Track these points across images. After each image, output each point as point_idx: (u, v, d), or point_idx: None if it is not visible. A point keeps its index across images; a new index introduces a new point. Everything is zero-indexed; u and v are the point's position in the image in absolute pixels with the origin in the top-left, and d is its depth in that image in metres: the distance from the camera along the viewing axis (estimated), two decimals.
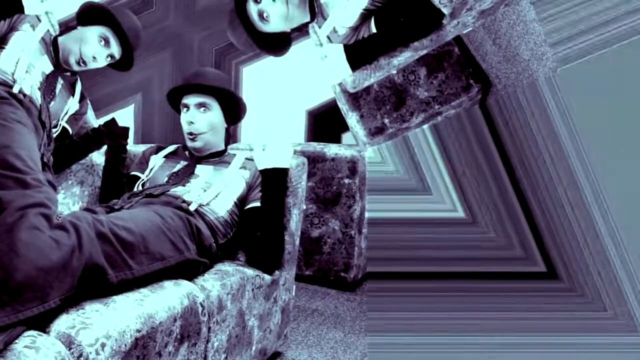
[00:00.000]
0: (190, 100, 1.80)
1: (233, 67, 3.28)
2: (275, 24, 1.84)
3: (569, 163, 1.69)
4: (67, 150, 1.88)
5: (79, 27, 1.83)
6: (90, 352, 1.05)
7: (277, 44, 1.95)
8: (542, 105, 1.73)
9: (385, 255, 1.89)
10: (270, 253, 1.72)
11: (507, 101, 1.84)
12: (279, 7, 1.81)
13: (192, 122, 1.79)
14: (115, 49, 1.82)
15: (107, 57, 1.82)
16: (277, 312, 1.81)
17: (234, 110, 1.87)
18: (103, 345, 1.07)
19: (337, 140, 3.27)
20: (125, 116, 3.05)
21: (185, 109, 1.82)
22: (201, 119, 1.80)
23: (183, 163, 1.81)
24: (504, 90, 2.41)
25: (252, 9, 1.84)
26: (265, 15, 1.81)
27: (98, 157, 1.97)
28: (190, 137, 1.80)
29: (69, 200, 1.83)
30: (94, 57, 1.79)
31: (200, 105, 1.80)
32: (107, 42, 1.80)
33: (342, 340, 2.16)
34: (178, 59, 3.16)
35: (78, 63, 1.79)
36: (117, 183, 1.90)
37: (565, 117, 1.70)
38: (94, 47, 1.78)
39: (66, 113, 1.86)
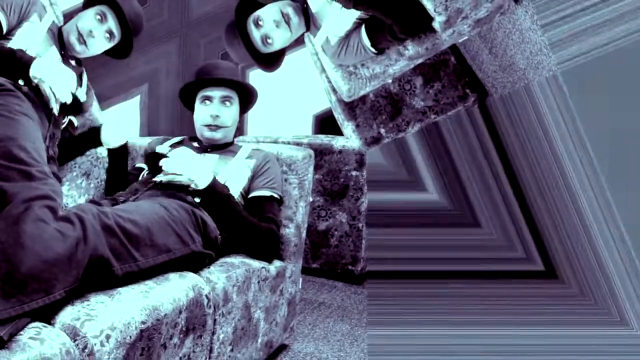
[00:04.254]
0: (215, 93, 1.80)
1: (239, 71, 3.27)
2: (277, 46, 1.91)
3: (566, 164, 1.68)
4: (71, 144, 1.88)
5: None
6: (95, 344, 1.05)
7: (273, 59, 2.03)
8: (541, 106, 1.72)
9: (384, 254, 1.89)
10: (258, 242, 1.68)
11: (508, 103, 1.83)
12: (283, 32, 1.87)
13: (217, 116, 1.79)
14: (113, 25, 1.79)
15: (105, 33, 1.79)
16: (284, 304, 1.80)
17: (247, 102, 1.90)
18: (108, 337, 1.07)
19: None
20: (130, 108, 3.05)
21: (207, 101, 1.81)
22: (226, 113, 1.81)
23: None
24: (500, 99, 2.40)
25: (255, 33, 1.88)
26: (269, 40, 1.86)
27: (103, 150, 1.97)
28: (211, 128, 1.80)
29: (74, 192, 1.83)
30: (91, 32, 1.76)
31: (225, 99, 1.80)
32: (103, 17, 1.78)
33: (348, 333, 2.15)
34: (184, 54, 3.15)
35: (79, 41, 1.77)
36: (121, 177, 1.90)
37: (566, 117, 1.69)
38: (90, 22, 1.76)
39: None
